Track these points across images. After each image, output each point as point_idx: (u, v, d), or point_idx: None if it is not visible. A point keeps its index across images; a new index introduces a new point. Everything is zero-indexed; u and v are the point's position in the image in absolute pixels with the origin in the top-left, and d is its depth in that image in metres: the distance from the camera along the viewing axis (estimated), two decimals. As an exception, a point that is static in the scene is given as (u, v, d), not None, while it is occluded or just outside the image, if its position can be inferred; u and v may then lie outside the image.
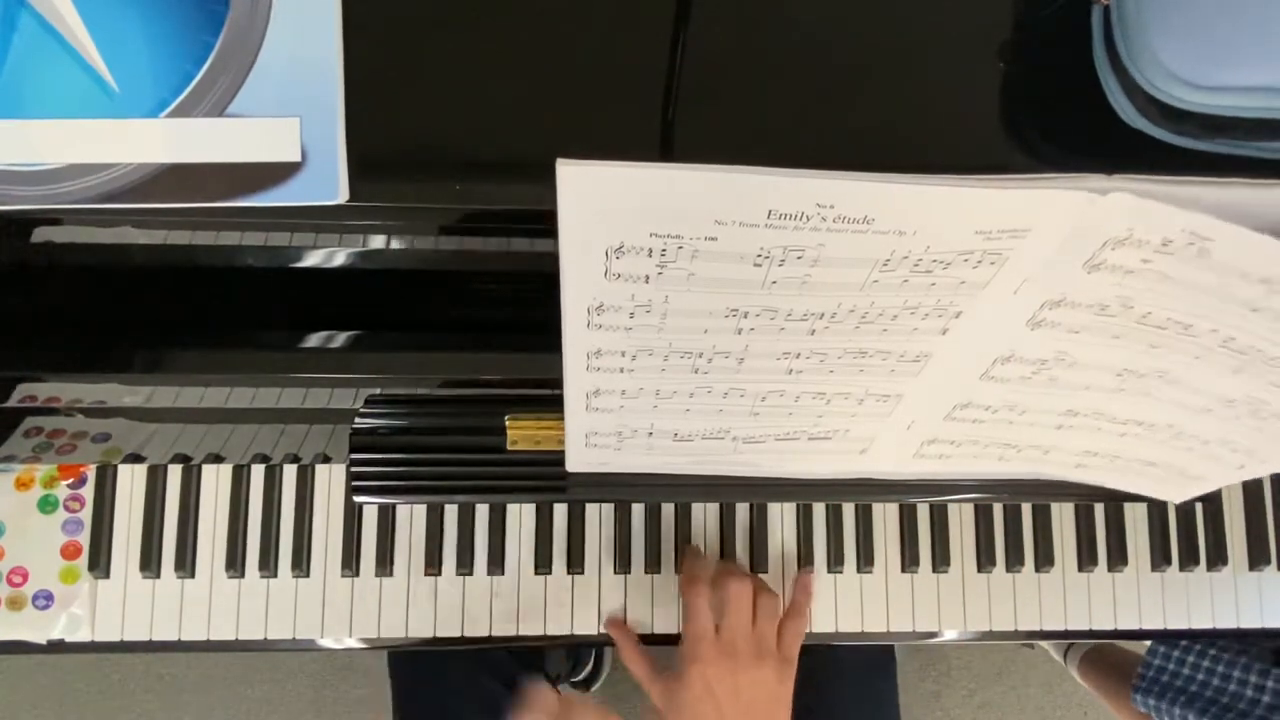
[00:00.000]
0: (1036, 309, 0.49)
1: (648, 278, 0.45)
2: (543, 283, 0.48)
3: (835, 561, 0.78)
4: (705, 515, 0.78)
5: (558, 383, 0.54)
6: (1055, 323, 0.50)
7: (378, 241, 0.57)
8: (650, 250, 0.43)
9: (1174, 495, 0.66)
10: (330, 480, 0.76)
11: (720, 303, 0.47)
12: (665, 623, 0.76)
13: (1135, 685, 0.98)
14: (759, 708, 0.67)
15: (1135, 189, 0.41)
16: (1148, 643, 1.00)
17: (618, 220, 0.42)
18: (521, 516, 0.77)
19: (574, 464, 0.64)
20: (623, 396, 0.56)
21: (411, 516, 0.76)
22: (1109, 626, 0.79)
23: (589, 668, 1.41)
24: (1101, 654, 1.34)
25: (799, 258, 0.44)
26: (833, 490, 0.71)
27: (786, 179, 0.40)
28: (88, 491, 0.75)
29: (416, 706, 0.89)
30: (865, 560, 0.78)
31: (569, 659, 1.39)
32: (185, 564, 0.75)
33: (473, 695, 0.86)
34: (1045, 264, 0.45)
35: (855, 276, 0.46)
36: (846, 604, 0.77)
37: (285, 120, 0.46)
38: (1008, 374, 0.54)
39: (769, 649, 0.69)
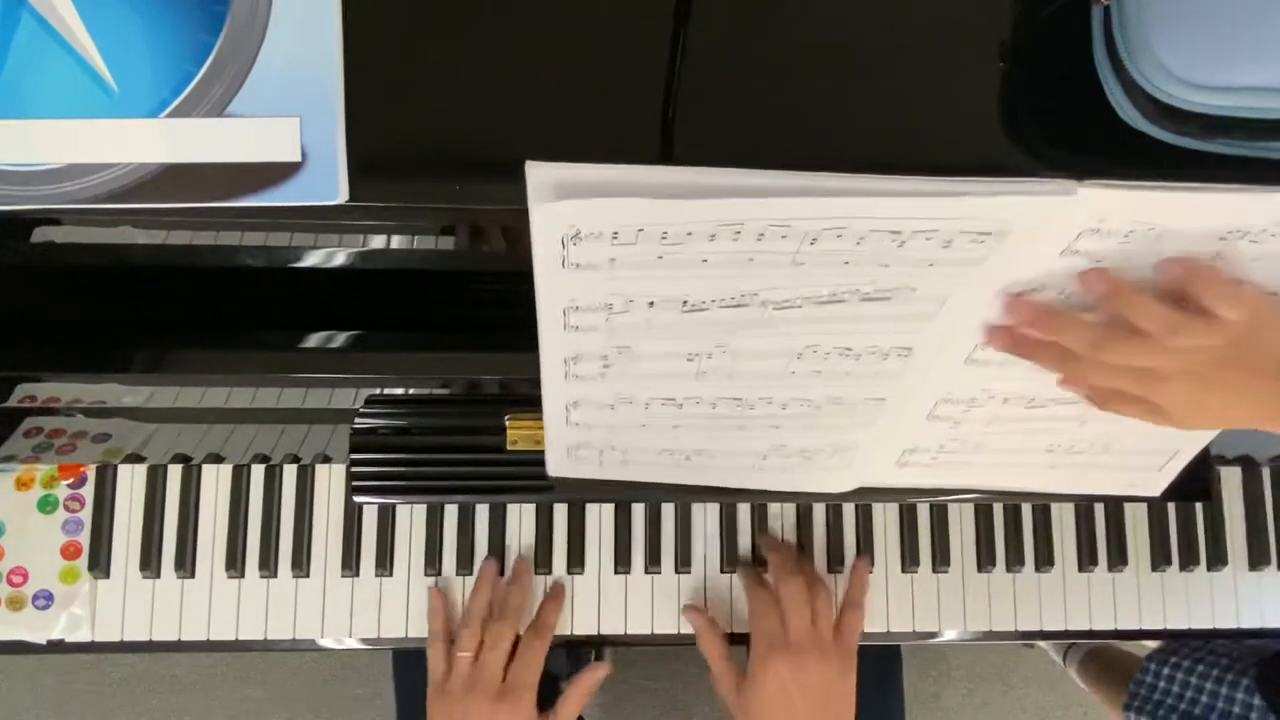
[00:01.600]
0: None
1: (612, 260, 0.45)
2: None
3: (835, 562, 0.78)
4: (706, 515, 0.78)
5: (558, 383, 0.54)
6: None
7: (378, 241, 0.57)
8: (615, 234, 0.43)
9: (1154, 484, 0.66)
10: (330, 480, 0.76)
11: (689, 292, 0.47)
12: (666, 622, 0.76)
13: (1126, 703, 0.97)
14: (830, 701, 0.69)
15: (1104, 193, 0.42)
16: (1147, 644, 1.00)
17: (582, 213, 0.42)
18: (521, 516, 0.77)
19: (554, 470, 0.64)
20: (601, 409, 0.56)
21: (411, 516, 0.76)
22: (1109, 626, 0.79)
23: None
24: (1100, 655, 1.34)
25: (783, 237, 0.44)
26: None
27: (758, 203, 0.41)
28: (88, 491, 0.75)
29: (418, 706, 0.89)
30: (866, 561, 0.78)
31: (570, 659, 1.38)
32: (185, 564, 0.75)
33: None
34: (1023, 256, 0.46)
35: (838, 276, 0.46)
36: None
37: (285, 120, 0.46)
38: (988, 357, 0.54)
39: (828, 644, 0.71)
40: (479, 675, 0.70)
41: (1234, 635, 0.80)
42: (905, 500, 0.77)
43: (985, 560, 0.78)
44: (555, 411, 0.58)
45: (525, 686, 0.71)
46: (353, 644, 0.76)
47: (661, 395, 0.55)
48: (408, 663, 0.90)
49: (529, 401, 0.65)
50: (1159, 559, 0.79)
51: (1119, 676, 1.26)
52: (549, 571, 0.76)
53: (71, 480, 0.75)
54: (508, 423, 0.68)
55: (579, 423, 0.58)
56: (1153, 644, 1.27)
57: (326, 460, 0.76)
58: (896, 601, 0.78)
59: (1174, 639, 0.94)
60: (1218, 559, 0.79)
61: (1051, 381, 0.56)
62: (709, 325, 0.49)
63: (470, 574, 0.76)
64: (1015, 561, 0.78)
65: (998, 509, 0.79)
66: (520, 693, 0.70)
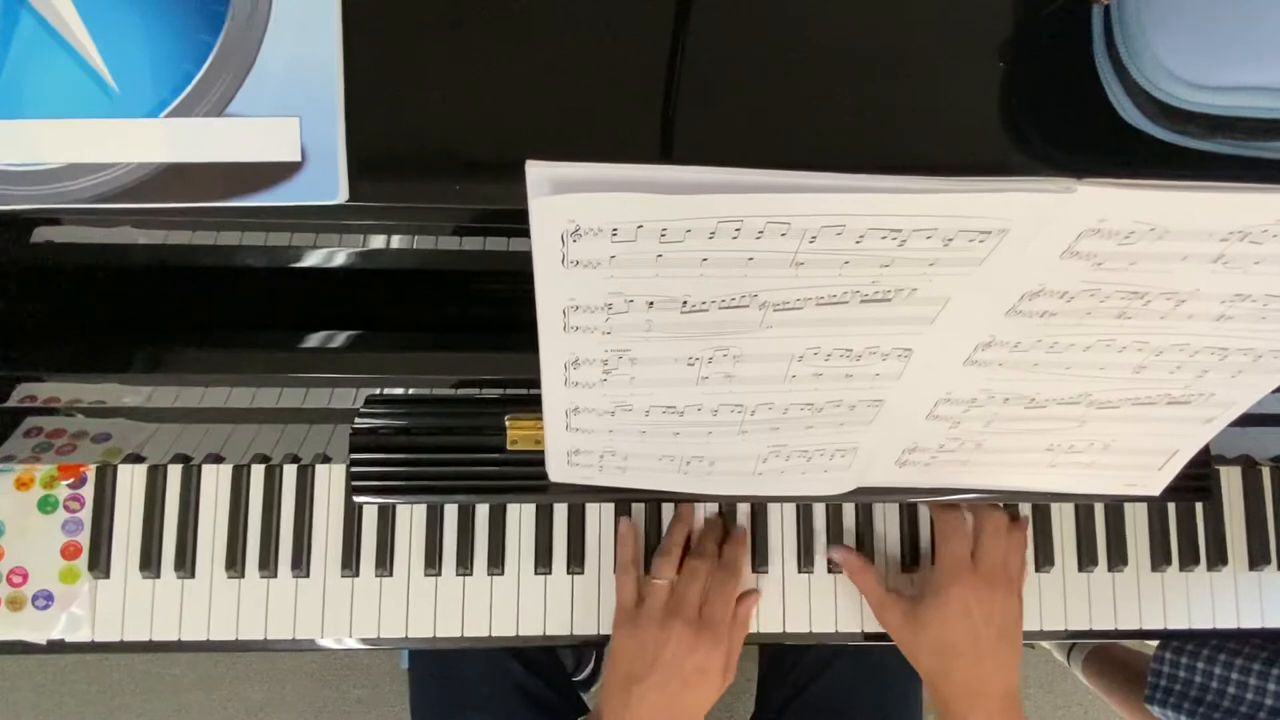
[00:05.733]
0: (1015, 300, 0.50)
1: (612, 258, 0.45)
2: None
3: (836, 561, 0.78)
4: (706, 515, 0.78)
5: (558, 383, 0.54)
6: (1031, 311, 0.51)
7: (378, 241, 0.57)
8: (615, 231, 0.43)
9: (1154, 484, 0.66)
10: (330, 480, 0.76)
11: (694, 292, 0.47)
12: (665, 623, 0.76)
13: (1148, 696, 0.97)
14: (1008, 634, 0.70)
15: (1103, 192, 0.42)
16: (1152, 643, 1.00)
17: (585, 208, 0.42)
18: (521, 516, 0.77)
19: (554, 475, 0.64)
20: (602, 415, 0.56)
21: (411, 516, 0.76)
22: (1109, 626, 0.79)
23: (590, 668, 1.41)
24: (1105, 654, 1.34)
25: (782, 235, 0.44)
26: (833, 490, 0.71)
27: (757, 198, 0.41)
28: (88, 491, 0.75)
29: (433, 706, 0.89)
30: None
31: (571, 658, 1.39)
32: (185, 564, 0.75)
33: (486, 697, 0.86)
34: (1024, 256, 0.46)
35: (835, 276, 0.46)
36: (848, 604, 0.77)
37: (285, 120, 0.46)
38: (988, 358, 0.54)
39: (1017, 584, 0.72)
40: (678, 605, 0.71)
41: (1235, 635, 0.80)
42: (905, 500, 0.77)
43: (985, 560, 0.78)
44: (555, 418, 0.58)
45: (721, 621, 0.71)
46: (353, 644, 0.76)
47: (662, 403, 0.55)
48: (424, 661, 0.90)
49: (529, 401, 0.65)
50: (1159, 559, 0.79)
51: (1124, 674, 1.26)
52: (549, 572, 0.76)
53: (71, 480, 0.75)
54: (508, 423, 0.67)
55: (579, 429, 0.58)
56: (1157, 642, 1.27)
57: (326, 460, 0.76)
58: (896, 601, 0.78)
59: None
60: (1218, 559, 0.79)
61: (1052, 382, 0.56)
62: (709, 327, 0.49)
63: (470, 574, 0.76)
64: (1015, 561, 0.78)
65: (998, 509, 0.79)
66: (718, 627, 0.71)
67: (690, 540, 0.76)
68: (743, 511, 0.78)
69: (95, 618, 0.74)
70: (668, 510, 0.77)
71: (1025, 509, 0.79)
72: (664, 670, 0.69)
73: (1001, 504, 0.75)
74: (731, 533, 0.77)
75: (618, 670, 0.71)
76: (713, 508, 0.78)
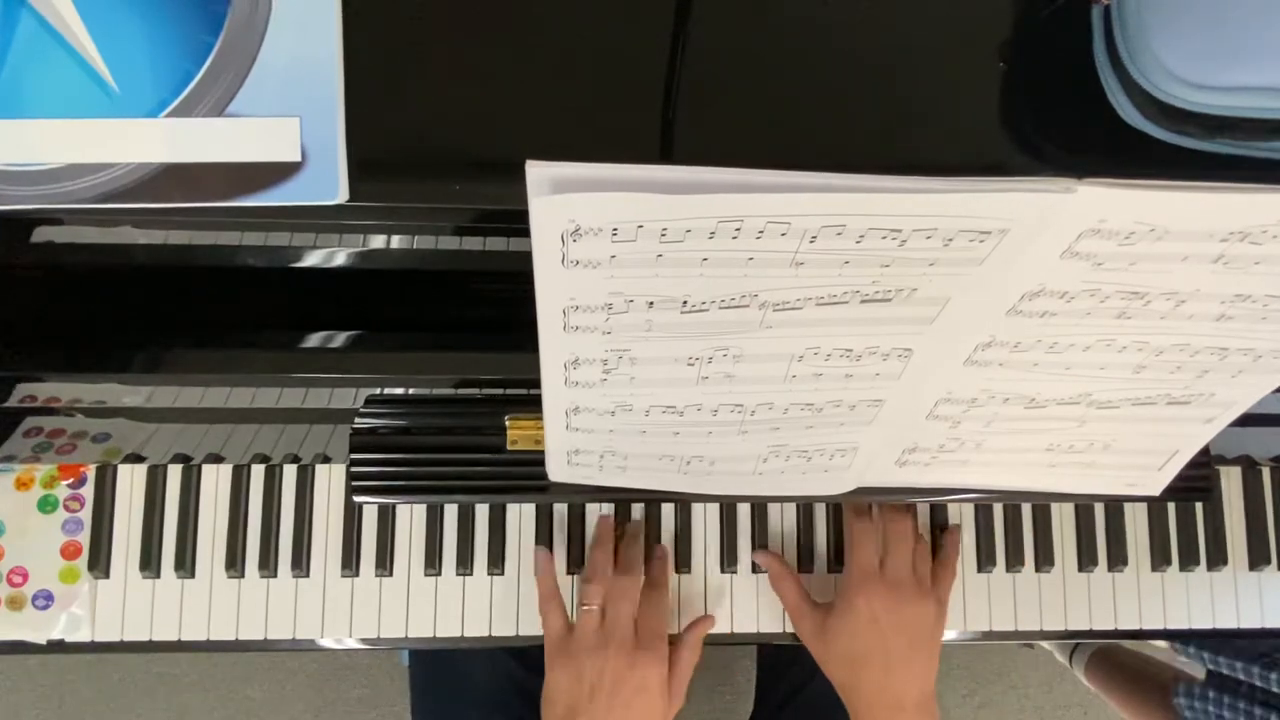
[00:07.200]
0: (1015, 300, 0.50)
1: (612, 258, 0.45)
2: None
3: (836, 561, 0.78)
4: (706, 515, 0.78)
5: (558, 383, 0.54)
6: (1031, 311, 0.51)
7: (378, 241, 0.57)
8: (615, 230, 0.43)
9: (1154, 484, 0.66)
10: (330, 480, 0.76)
11: (691, 292, 0.47)
12: (668, 623, 0.76)
13: None
14: (920, 642, 0.69)
15: (1103, 192, 0.42)
16: (1156, 642, 1.00)
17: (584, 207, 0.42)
18: (521, 516, 0.77)
19: (554, 475, 0.64)
20: (602, 415, 0.56)
21: (411, 516, 0.76)
22: (1109, 626, 0.79)
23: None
24: (1109, 655, 1.34)
25: (782, 234, 0.44)
26: (833, 490, 0.71)
27: (756, 198, 0.41)
28: (88, 491, 0.75)
29: (433, 707, 0.89)
30: (865, 560, 0.78)
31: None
32: (185, 564, 0.75)
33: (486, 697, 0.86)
34: (1024, 257, 0.46)
35: (835, 275, 0.46)
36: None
37: (285, 120, 0.46)
38: (988, 358, 0.54)
39: (926, 587, 0.71)
40: (612, 627, 0.69)
41: (1234, 635, 0.80)
42: (905, 500, 0.77)
43: (985, 560, 0.78)
44: (555, 417, 0.58)
45: (659, 636, 0.70)
46: (353, 644, 0.76)
47: (663, 403, 0.55)
48: (423, 661, 0.90)
49: (529, 401, 0.65)
50: (1159, 559, 0.79)
51: (1128, 676, 1.26)
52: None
53: (71, 480, 0.75)
54: (508, 423, 0.67)
55: (579, 429, 0.58)
56: (1160, 643, 1.27)
57: (326, 460, 0.76)
58: (896, 601, 0.78)
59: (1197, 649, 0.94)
60: (1218, 559, 0.79)
61: (1052, 381, 0.56)
62: (709, 327, 0.49)
63: (470, 574, 0.76)
64: (1015, 561, 0.78)
65: (997, 509, 0.79)
66: (656, 642, 0.69)
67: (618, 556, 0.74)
68: (743, 510, 0.78)
69: (95, 618, 0.74)
70: (668, 510, 0.77)
71: (1025, 509, 0.79)
72: (605, 697, 0.66)
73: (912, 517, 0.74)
74: (654, 549, 0.76)
75: (555, 707, 0.68)
76: (637, 522, 0.77)
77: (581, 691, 0.67)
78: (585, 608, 0.70)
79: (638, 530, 0.76)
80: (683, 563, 0.77)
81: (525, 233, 0.42)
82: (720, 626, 0.76)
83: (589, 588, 0.71)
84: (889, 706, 0.68)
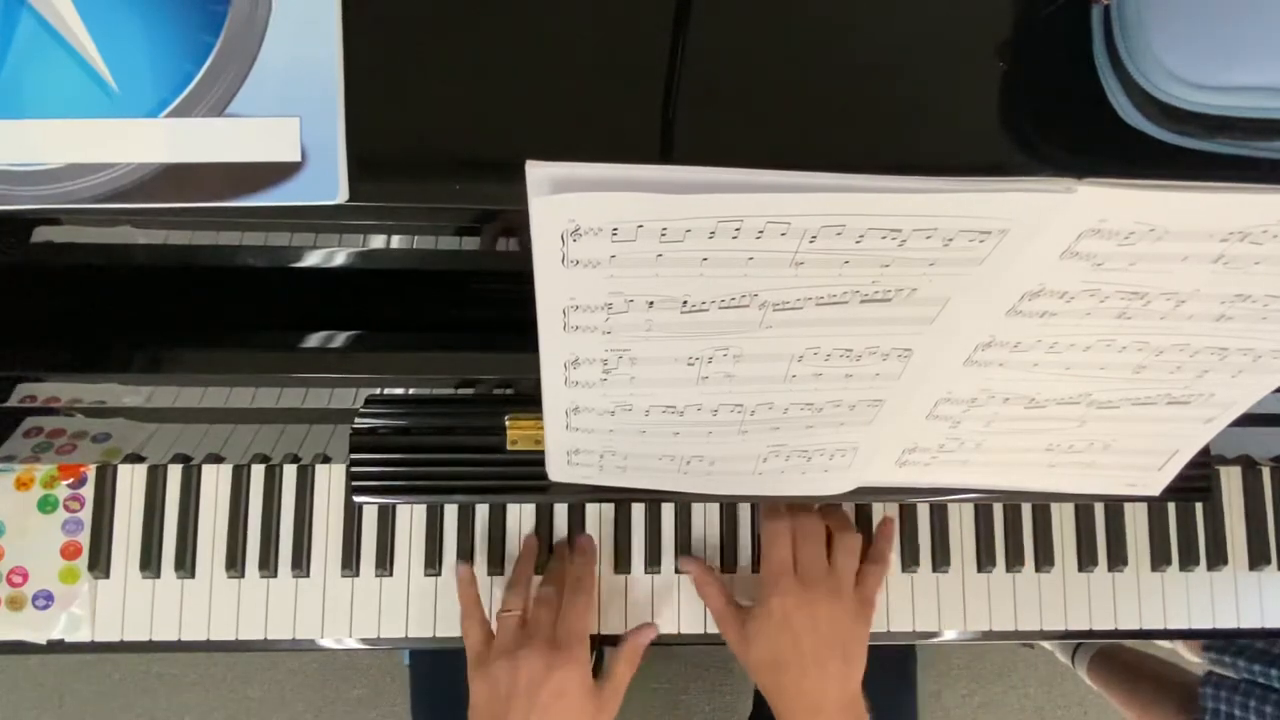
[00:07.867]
0: (1015, 300, 0.50)
1: (612, 258, 0.45)
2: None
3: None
4: (706, 515, 0.78)
5: (558, 383, 0.54)
6: (1031, 311, 0.51)
7: (378, 241, 0.57)
8: (615, 230, 0.43)
9: (1154, 484, 0.66)
10: (330, 480, 0.76)
11: (690, 291, 0.47)
12: (667, 622, 0.76)
13: None
14: (836, 643, 0.67)
15: (1103, 192, 0.42)
16: (1159, 642, 0.99)
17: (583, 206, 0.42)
18: (521, 516, 0.77)
19: (554, 475, 0.64)
20: (602, 415, 0.56)
21: (411, 516, 0.76)
22: (1109, 626, 0.79)
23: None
24: (1112, 654, 1.33)
25: (782, 234, 0.44)
26: (833, 490, 0.71)
27: (756, 198, 0.41)
28: (88, 491, 0.75)
29: (433, 706, 0.89)
30: (865, 560, 0.78)
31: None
32: (185, 564, 0.75)
33: None
34: (1024, 257, 0.46)
35: (836, 276, 0.46)
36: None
37: (285, 120, 0.46)
38: (988, 358, 0.54)
39: (846, 586, 0.69)
40: (530, 631, 0.68)
41: (1234, 635, 0.80)
42: (905, 500, 0.77)
43: (985, 560, 0.78)
44: (555, 417, 0.58)
45: (577, 638, 0.67)
46: (353, 644, 0.76)
47: (662, 403, 0.55)
48: (424, 660, 0.90)
49: (529, 401, 0.65)
50: (1159, 559, 0.79)
51: (1131, 676, 1.26)
52: (549, 571, 0.76)
53: (71, 480, 0.75)
54: (508, 423, 0.67)
55: (579, 429, 0.58)
56: (1164, 643, 1.27)
57: (326, 460, 0.76)
58: (897, 601, 0.78)
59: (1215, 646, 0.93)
60: (1218, 559, 0.79)
61: (1052, 382, 0.56)
62: (709, 326, 0.49)
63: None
64: (1015, 561, 0.78)
65: (997, 509, 0.79)
66: (574, 644, 0.67)
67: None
68: (743, 511, 0.78)
69: (95, 618, 0.74)
70: (668, 510, 0.77)
71: (1025, 509, 0.79)
72: (521, 702, 0.64)
73: (837, 513, 0.74)
74: (577, 540, 0.75)
75: None
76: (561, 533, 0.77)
77: (499, 699, 0.65)
78: (504, 614, 0.69)
79: (563, 547, 0.75)
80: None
81: (525, 233, 0.43)
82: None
83: (509, 594, 0.71)
84: (808, 710, 0.65)
